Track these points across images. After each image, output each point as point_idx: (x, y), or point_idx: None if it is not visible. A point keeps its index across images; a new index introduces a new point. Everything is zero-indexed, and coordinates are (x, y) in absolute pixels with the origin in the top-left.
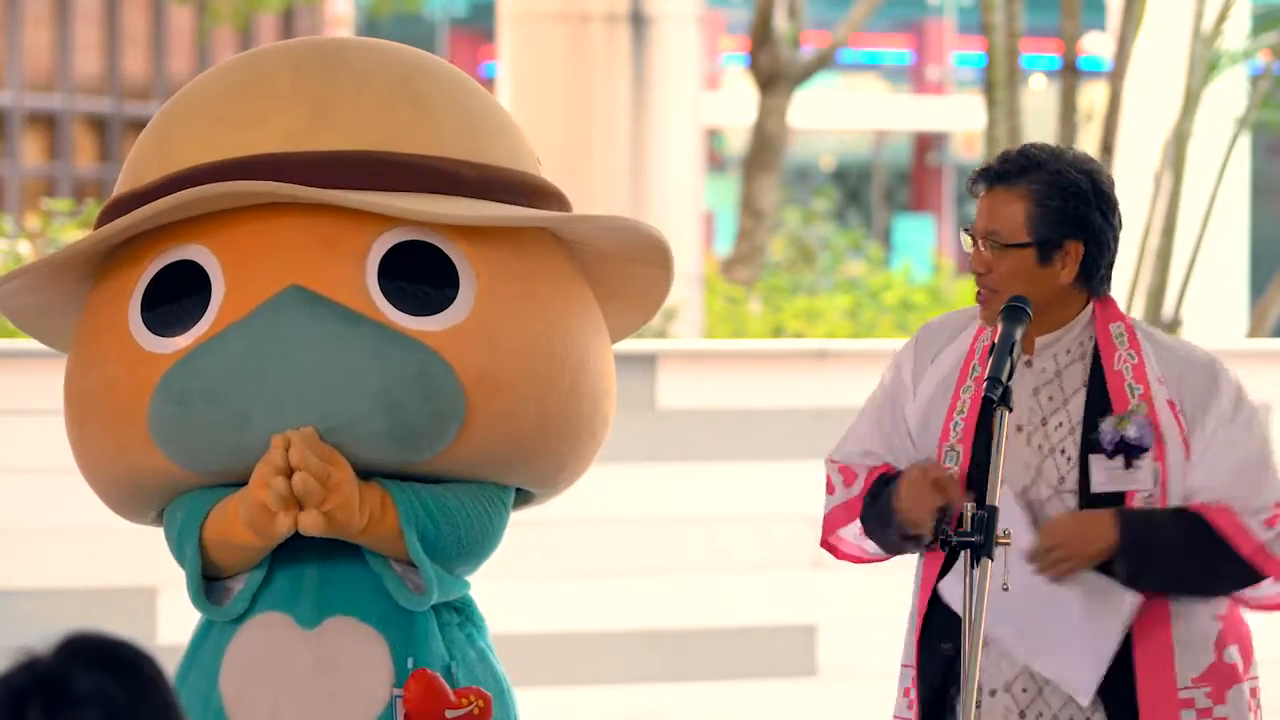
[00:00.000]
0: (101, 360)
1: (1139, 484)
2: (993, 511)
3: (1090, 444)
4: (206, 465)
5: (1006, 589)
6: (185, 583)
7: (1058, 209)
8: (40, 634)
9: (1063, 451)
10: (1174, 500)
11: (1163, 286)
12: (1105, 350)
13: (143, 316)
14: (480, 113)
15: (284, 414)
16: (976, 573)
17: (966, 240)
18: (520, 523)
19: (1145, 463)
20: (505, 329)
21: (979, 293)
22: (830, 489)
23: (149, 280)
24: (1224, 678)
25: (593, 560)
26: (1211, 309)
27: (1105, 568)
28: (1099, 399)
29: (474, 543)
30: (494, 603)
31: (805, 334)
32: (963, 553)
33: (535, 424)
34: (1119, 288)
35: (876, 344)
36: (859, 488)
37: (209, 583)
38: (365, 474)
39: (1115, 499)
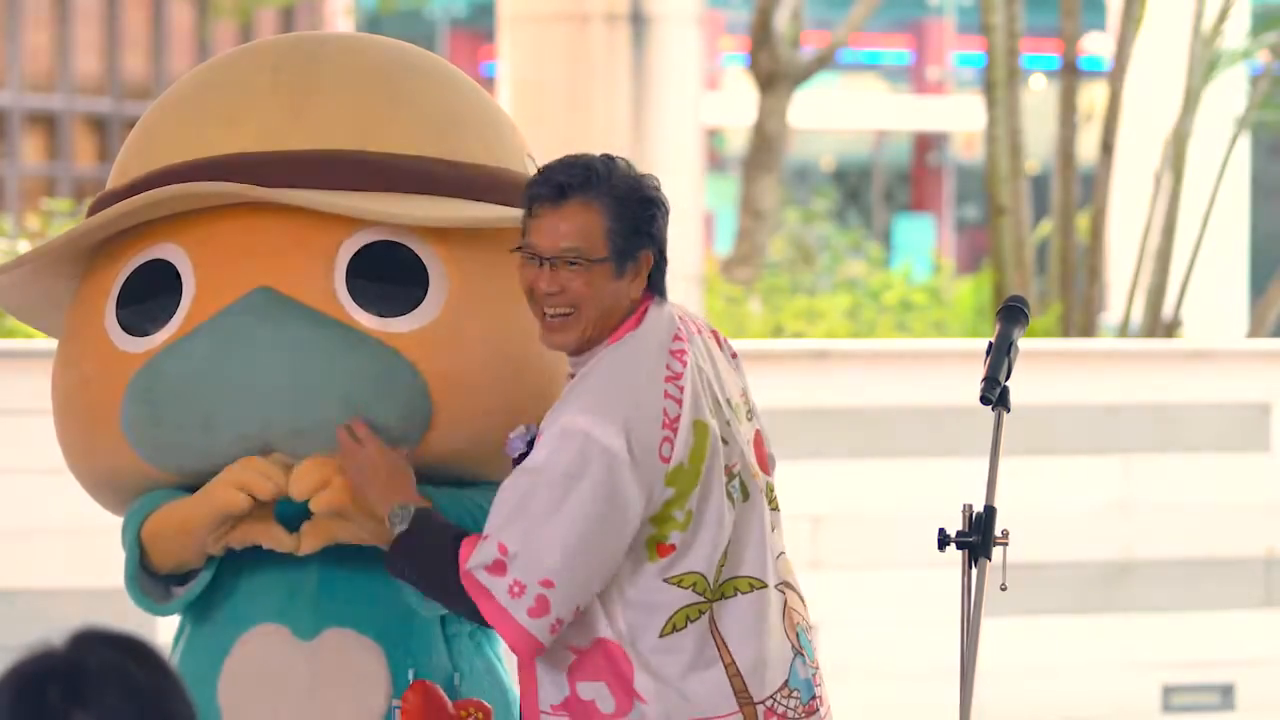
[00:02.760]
0: (79, 358)
1: None
2: (991, 511)
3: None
4: (178, 465)
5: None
6: (123, 569)
7: (631, 220)
8: (41, 634)
9: None
10: None
11: (1163, 286)
12: None
13: (118, 315)
14: (462, 109)
15: (247, 417)
16: (975, 573)
17: (529, 266)
18: None
19: None
20: (476, 328)
21: (550, 317)
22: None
23: (124, 279)
24: (582, 713)
25: None
26: (1211, 309)
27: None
28: None
29: None
30: None
31: (805, 334)
32: (962, 553)
33: (506, 424)
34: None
35: (876, 344)
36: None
37: (154, 577)
38: None
39: None
